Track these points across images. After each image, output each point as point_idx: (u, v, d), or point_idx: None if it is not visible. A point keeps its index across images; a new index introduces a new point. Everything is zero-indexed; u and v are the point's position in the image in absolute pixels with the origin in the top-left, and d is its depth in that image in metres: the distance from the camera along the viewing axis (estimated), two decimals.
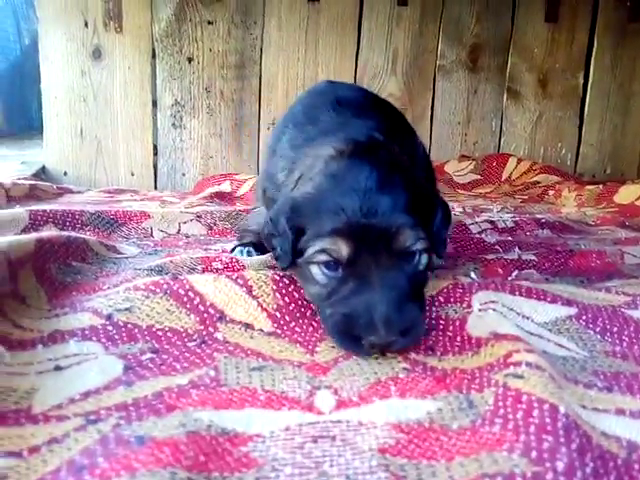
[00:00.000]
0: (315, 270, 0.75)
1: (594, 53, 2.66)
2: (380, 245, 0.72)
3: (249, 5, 2.37)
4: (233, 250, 1.14)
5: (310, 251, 0.75)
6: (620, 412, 0.55)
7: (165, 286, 0.75)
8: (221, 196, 1.97)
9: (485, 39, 2.57)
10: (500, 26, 2.57)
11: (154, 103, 2.38)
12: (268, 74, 2.44)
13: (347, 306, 0.70)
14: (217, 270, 0.90)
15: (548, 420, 0.47)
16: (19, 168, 2.35)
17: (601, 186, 2.13)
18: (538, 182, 2.37)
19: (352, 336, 0.69)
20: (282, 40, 2.43)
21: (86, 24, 2.29)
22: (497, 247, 1.25)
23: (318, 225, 0.75)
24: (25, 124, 3.99)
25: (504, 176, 2.50)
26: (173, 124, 2.41)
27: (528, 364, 0.57)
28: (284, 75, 2.44)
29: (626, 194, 2.00)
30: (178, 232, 1.39)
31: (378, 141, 0.88)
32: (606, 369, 0.65)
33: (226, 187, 2.13)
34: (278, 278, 0.80)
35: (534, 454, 0.43)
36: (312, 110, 1.08)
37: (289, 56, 2.44)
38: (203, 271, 0.91)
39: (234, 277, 0.78)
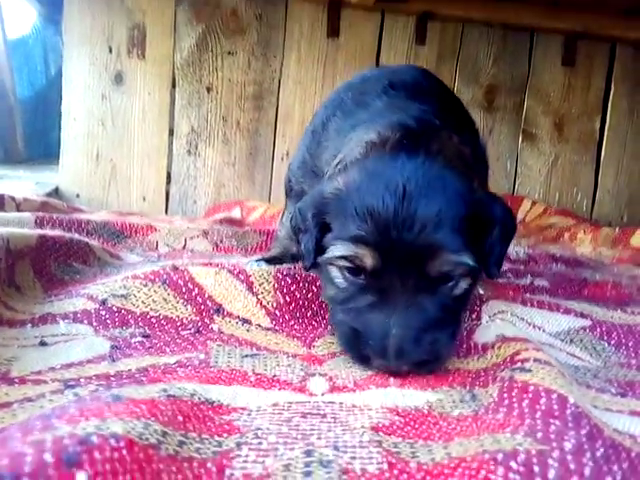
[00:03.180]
0: (335, 273, 0.67)
1: (611, 99, 2.66)
2: (412, 264, 0.61)
3: (270, 38, 2.42)
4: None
5: (331, 253, 0.66)
6: (635, 414, 0.50)
7: (164, 276, 0.72)
8: (231, 222, 1.96)
9: (501, 80, 2.60)
10: (517, 68, 2.60)
11: (170, 131, 2.41)
12: (285, 106, 2.47)
13: (361, 321, 0.62)
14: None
15: (556, 407, 0.43)
16: (33, 188, 2.37)
17: (617, 229, 2.09)
18: (553, 224, 2.34)
19: (361, 355, 0.62)
20: (300, 73, 2.47)
21: (110, 49, 2.35)
22: (509, 274, 1.22)
23: (343, 226, 0.65)
24: (44, 151, 4.07)
25: (518, 218, 2.47)
26: (188, 151, 2.44)
27: (537, 360, 0.53)
28: (300, 107, 2.47)
29: None
30: (184, 247, 1.37)
31: (432, 127, 0.75)
32: (620, 378, 0.61)
33: (236, 213, 2.12)
34: (280, 277, 0.77)
35: (540, 435, 0.39)
36: (361, 96, 0.95)
37: (306, 89, 2.47)
38: None
39: (235, 272, 0.75)
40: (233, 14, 2.39)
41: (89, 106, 2.37)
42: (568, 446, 0.38)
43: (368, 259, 0.63)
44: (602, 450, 0.39)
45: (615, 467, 0.37)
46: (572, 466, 0.36)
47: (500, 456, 0.37)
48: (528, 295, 1.04)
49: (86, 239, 1.09)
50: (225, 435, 0.40)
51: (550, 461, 0.36)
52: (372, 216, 0.62)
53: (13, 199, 1.68)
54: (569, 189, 2.69)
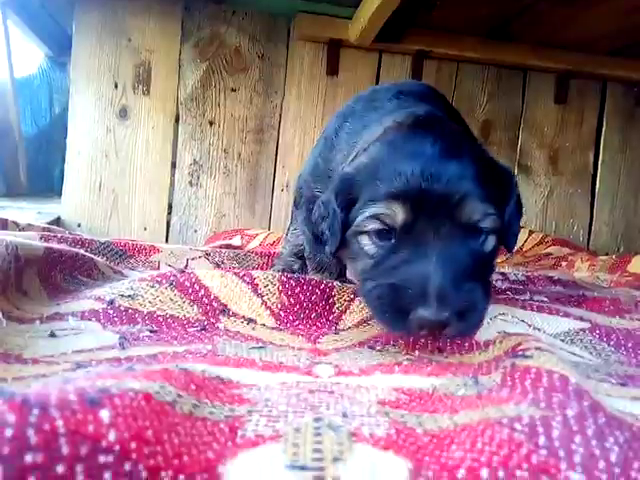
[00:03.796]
0: (365, 240, 0.67)
1: (603, 134, 2.74)
2: (442, 213, 0.62)
3: (272, 75, 2.50)
4: None
5: (360, 218, 0.66)
6: (636, 399, 0.51)
7: (172, 278, 0.74)
8: (231, 248, 1.98)
9: (496, 116, 2.67)
10: (511, 105, 2.68)
11: (173, 163, 2.46)
12: (285, 139, 2.52)
13: (396, 275, 0.61)
14: None
15: (558, 384, 0.44)
16: (35, 217, 2.40)
17: (614, 256, 2.12)
18: (550, 254, 2.36)
19: (399, 309, 0.59)
20: (300, 109, 2.54)
21: (116, 85, 2.42)
22: (508, 292, 1.23)
23: (372, 191, 0.66)
24: (47, 187, 4.13)
25: (516, 247, 2.49)
26: (190, 182, 2.48)
27: (537, 348, 0.54)
28: (300, 141, 2.53)
29: (639, 264, 1.98)
30: (185, 267, 1.38)
31: (441, 116, 0.79)
32: (621, 372, 0.62)
33: (236, 241, 2.14)
34: (285, 279, 0.78)
35: (543, 404, 0.40)
36: (372, 103, 0.98)
37: (306, 124, 2.54)
38: None
39: (241, 274, 0.77)
40: (236, 53, 2.47)
41: (93, 139, 2.42)
42: (571, 413, 0.39)
43: (399, 214, 0.63)
44: (604, 419, 0.39)
45: (617, 432, 0.38)
46: (575, 427, 0.37)
47: (505, 420, 0.38)
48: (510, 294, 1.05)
49: (91, 255, 1.11)
50: (236, 404, 0.41)
51: (554, 423, 0.37)
52: (400, 175, 0.64)
53: (16, 224, 1.70)
54: (565, 220, 2.73)
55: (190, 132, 2.47)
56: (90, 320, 0.65)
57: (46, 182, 4.25)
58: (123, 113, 2.43)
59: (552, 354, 0.52)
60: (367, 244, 0.67)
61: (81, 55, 2.38)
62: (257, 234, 2.15)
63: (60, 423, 0.26)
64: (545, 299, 1.12)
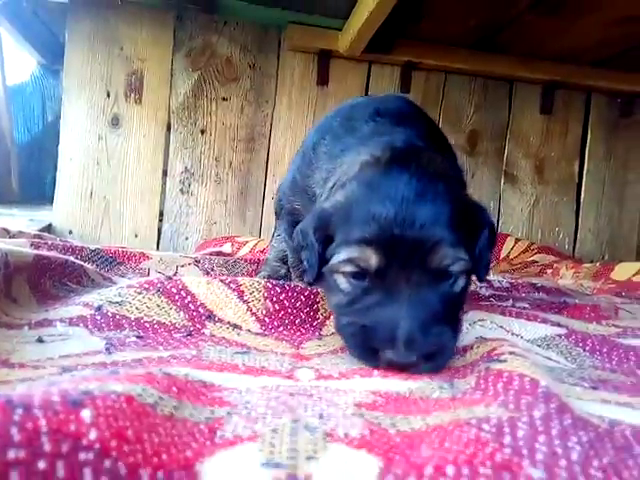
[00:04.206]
0: (340, 279, 0.70)
1: (588, 144, 2.78)
2: (414, 260, 0.65)
3: (263, 85, 2.53)
4: None
5: (336, 259, 0.69)
6: (605, 402, 0.53)
7: (159, 285, 0.75)
8: (221, 256, 1.99)
9: (483, 126, 2.71)
10: (497, 115, 2.72)
11: (164, 171, 2.47)
12: (276, 148, 2.55)
13: (368, 317, 0.65)
14: None
15: (528, 387, 0.46)
16: (26, 224, 2.40)
17: (598, 264, 2.15)
18: (536, 261, 2.39)
19: (370, 349, 0.63)
20: (291, 118, 2.56)
21: (108, 94, 2.44)
22: (491, 299, 1.25)
23: (347, 233, 0.68)
24: (38, 194, 4.12)
25: (502, 254, 2.52)
26: (181, 190, 2.49)
27: (512, 353, 0.56)
28: (291, 150, 2.55)
29: (623, 271, 2.01)
30: (175, 274, 1.40)
31: (419, 147, 0.81)
32: (594, 377, 0.64)
33: (227, 248, 2.16)
34: (270, 286, 0.80)
35: (511, 406, 0.42)
36: (350, 122, 0.99)
37: (296, 133, 2.56)
38: None
39: (227, 281, 0.78)
40: (228, 63, 2.50)
41: (85, 146, 2.43)
42: (537, 414, 0.41)
43: (372, 259, 0.66)
44: (569, 420, 0.41)
45: (581, 433, 0.39)
46: (540, 428, 0.39)
47: (474, 421, 0.39)
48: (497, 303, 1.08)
49: (80, 262, 1.12)
50: (216, 406, 0.42)
51: (520, 424, 0.39)
52: (374, 219, 0.66)
53: (7, 231, 1.71)
54: (551, 228, 2.77)
55: (182, 140, 2.48)
56: (78, 326, 0.66)
57: (38, 189, 4.24)
58: (115, 121, 2.44)
59: (525, 358, 0.54)
60: (342, 282, 0.70)
61: (73, 63, 2.39)
62: (247, 241, 2.17)
63: (43, 422, 0.28)
64: (527, 306, 1.14)
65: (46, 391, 0.31)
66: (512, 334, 0.75)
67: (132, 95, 2.46)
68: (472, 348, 0.65)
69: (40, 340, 0.59)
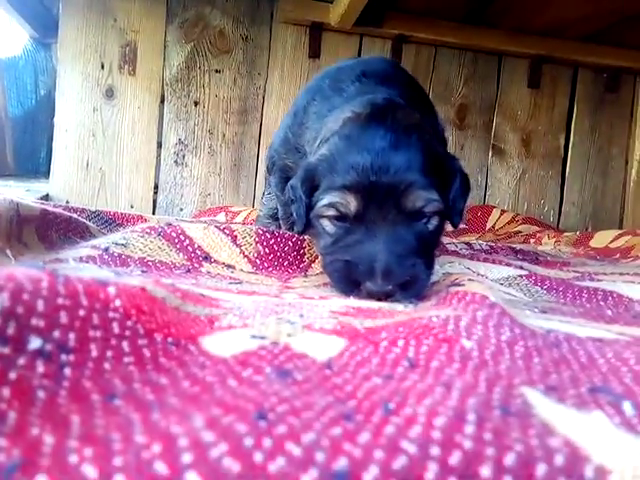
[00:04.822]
0: (325, 222, 0.78)
1: (574, 118, 2.85)
2: (389, 202, 0.72)
3: (255, 58, 2.57)
4: None
5: (320, 204, 0.77)
6: (549, 320, 0.62)
7: (159, 229, 0.83)
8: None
9: (472, 100, 2.77)
10: (486, 89, 2.78)
11: (159, 143, 2.53)
12: (268, 120, 2.60)
13: (349, 253, 0.72)
14: None
15: (477, 298, 0.54)
16: (24, 194, 2.46)
17: (578, 233, 2.24)
18: (520, 231, 2.48)
19: (351, 281, 0.70)
20: (283, 90, 2.61)
21: (102, 66, 2.48)
22: (470, 258, 1.33)
23: (329, 181, 0.76)
24: (33, 168, 4.16)
25: (488, 226, 2.61)
26: (175, 161, 2.55)
27: (470, 279, 0.64)
28: None
29: (600, 239, 2.10)
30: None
31: (398, 104, 0.87)
32: (546, 307, 0.73)
33: (221, 218, 2.23)
34: (261, 232, 0.88)
35: (460, 310, 0.50)
36: (338, 83, 1.05)
37: (289, 105, 2.57)
38: None
39: (222, 227, 0.86)
40: (220, 35, 2.54)
41: (81, 118, 2.47)
42: (480, 314, 0.49)
43: (352, 203, 0.73)
44: (507, 320, 0.50)
45: (515, 327, 0.48)
46: (480, 321, 0.47)
47: (426, 317, 0.48)
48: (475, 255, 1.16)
49: (83, 220, 1.19)
50: (214, 308, 0.50)
51: (464, 319, 0.47)
52: (352, 168, 0.74)
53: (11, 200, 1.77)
54: (536, 201, 2.85)
55: (175, 112, 2.54)
56: (87, 263, 0.74)
57: (32, 163, 4.27)
58: (110, 93, 2.49)
59: (480, 283, 0.63)
60: (327, 225, 0.78)
61: (68, 36, 2.43)
62: (240, 211, 2.24)
63: (80, 287, 0.35)
64: (503, 259, 1.23)
65: (78, 274, 0.39)
66: (478, 274, 0.83)
67: (126, 67, 2.50)
68: (438, 282, 0.74)
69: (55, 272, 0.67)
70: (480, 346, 0.42)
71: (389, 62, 1.17)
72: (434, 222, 0.77)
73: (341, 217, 0.75)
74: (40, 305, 0.31)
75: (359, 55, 2.64)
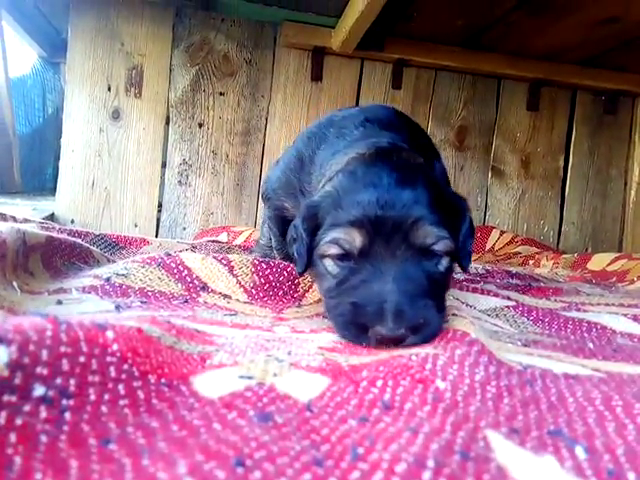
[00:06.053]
0: (328, 262, 0.73)
1: (573, 140, 2.89)
2: (397, 238, 0.67)
3: (258, 81, 2.63)
4: None
5: (323, 242, 0.72)
6: (529, 354, 0.64)
7: (159, 260, 0.86)
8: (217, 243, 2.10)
9: (471, 122, 2.81)
10: (485, 111, 2.83)
11: (163, 163, 2.57)
12: (271, 141, 2.65)
13: (356, 295, 0.66)
14: None
15: (458, 336, 0.57)
16: (30, 213, 2.51)
17: (576, 254, 2.26)
18: (519, 252, 2.50)
19: (358, 326, 0.64)
20: (286, 113, 2.66)
21: (109, 88, 2.54)
22: (464, 283, 1.36)
23: (333, 218, 0.72)
24: (39, 185, 4.22)
25: (487, 246, 2.63)
26: (179, 181, 2.60)
27: (454, 314, 0.67)
28: (285, 143, 2.65)
29: (598, 261, 2.12)
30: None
31: (401, 147, 0.85)
32: (530, 339, 0.75)
33: (223, 237, 2.27)
34: (257, 262, 0.91)
35: (440, 348, 0.53)
36: (342, 130, 1.04)
37: (291, 127, 2.66)
38: None
39: (219, 258, 0.90)
40: (225, 58, 2.60)
41: (87, 138, 2.53)
42: (458, 352, 0.52)
43: (357, 239, 0.69)
44: (485, 358, 0.52)
45: (492, 367, 0.51)
46: (457, 359, 0.50)
47: (406, 356, 0.51)
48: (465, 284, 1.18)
49: (87, 244, 1.23)
50: (207, 345, 0.53)
51: (442, 357, 0.50)
52: (358, 204, 0.70)
53: (14, 219, 1.82)
54: (536, 222, 2.88)
55: (180, 133, 2.59)
56: (89, 293, 0.77)
57: (39, 181, 4.34)
58: (116, 114, 2.54)
59: (464, 318, 0.65)
60: (330, 265, 0.73)
61: (76, 59, 2.49)
62: (242, 231, 2.28)
63: (80, 333, 0.39)
64: (494, 288, 1.25)
65: (79, 317, 0.42)
66: (466, 305, 0.86)
67: (132, 89, 2.55)
68: None
69: (59, 302, 0.70)
70: (454, 387, 0.44)
71: (391, 109, 1.17)
72: (445, 263, 0.72)
73: (345, 256, 0.71)
74: (44, 355, 0.34)
75: (360, 78, 2.70)
